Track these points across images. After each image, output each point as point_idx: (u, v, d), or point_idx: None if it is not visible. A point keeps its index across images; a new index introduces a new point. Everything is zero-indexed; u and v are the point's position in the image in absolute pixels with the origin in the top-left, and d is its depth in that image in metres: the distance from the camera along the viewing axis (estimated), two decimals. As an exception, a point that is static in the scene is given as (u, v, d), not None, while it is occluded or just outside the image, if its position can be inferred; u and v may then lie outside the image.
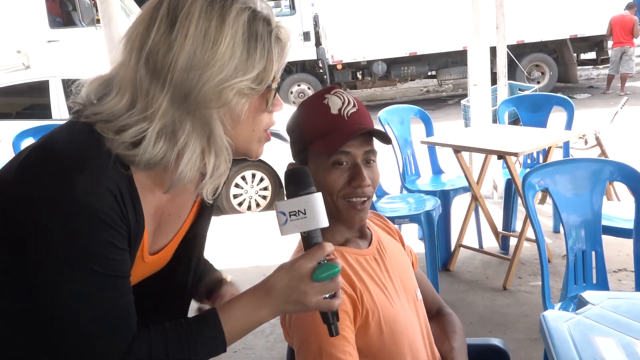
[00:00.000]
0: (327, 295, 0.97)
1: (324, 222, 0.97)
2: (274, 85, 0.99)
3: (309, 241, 0.98)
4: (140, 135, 0.91)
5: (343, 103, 1.25)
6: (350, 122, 1.23)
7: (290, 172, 1.00)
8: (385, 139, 1.28)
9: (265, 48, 0.95)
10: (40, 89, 5.64)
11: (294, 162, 1.31)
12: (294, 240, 1.17)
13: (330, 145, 1.21)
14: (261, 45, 0.94)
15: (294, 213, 0.96)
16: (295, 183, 0.98)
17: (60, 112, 5.50)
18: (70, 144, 0.93)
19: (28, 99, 5.95)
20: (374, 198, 3.58)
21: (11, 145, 4.59)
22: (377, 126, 4.26)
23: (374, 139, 1.28)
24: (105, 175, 0.90)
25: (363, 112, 1.27)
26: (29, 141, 4.69)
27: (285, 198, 0.98)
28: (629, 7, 10.24)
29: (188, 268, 1.17)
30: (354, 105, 1.26)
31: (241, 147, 1.00)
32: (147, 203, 0.98)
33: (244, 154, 1.03)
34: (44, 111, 5.56)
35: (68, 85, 5.54)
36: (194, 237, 1.15)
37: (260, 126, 1.01)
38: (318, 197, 0.97)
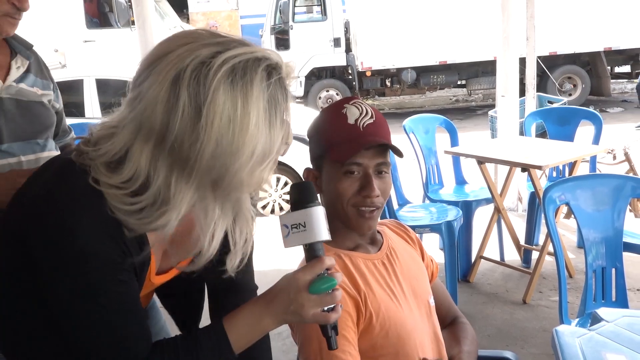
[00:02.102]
0: (325, 309, 0.99)
1: (325, 235, 0.99)
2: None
3: (310, 254, 1.01)
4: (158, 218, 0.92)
5: (361, 114, 1.27)
6: (365, 133, 1.26)
7: (294, 186, 1.04)
8: (398, 153, 1.30)
9: (281, 111, 0.93)
10: (74, 87, 5.78)
11: (310, 167, 1.35)
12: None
13: (342, 155, 1.25)
14: (280, 111, 0.93)
15: (295, 226, 0.99)
16: (298, 197, 1.02)
17: (92, 110, 5.64)
18: (71, 191, 0.94)
19: (63, 97, 6.08)
20: (396, 206, 3.60)
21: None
22: (402, 135, 4.22)
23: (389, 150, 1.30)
24: (105, 222, 0.92)
25: (380, 124, 1.29)
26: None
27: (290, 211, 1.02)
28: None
29: (197, 287, 1.22)
30: (372, 117, 1.28)
31: None
32: (151, 239, 1.00)
33: None
34: (78, 109, 5.70)
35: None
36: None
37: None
38: (318, 210, 1.00)
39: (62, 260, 0.92)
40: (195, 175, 0.90)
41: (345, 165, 1.25)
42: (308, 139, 1.35)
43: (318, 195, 1.11)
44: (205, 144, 0.87)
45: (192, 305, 1.30)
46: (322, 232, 0.99)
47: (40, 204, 0.95)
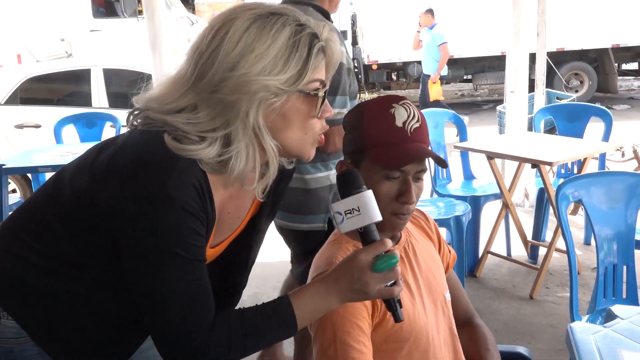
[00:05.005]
0: (388, 284, 1.05)
1: (378, 216, 1.06)
2: (321, 94, 1.07)
3: (367, 236, 1.07)
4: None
5: (409, 116, 1.25)
6: (412, 139, 1.24)
7: (342, 175, 1.10)
8: (442, 164, 1.32)
9: (302, 56, 1.03)
10: (81, 77, 5.76)
11: (344, 160, 1.32)
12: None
13: (389, 161, 1.23)
14: (299, 54, 1.03)
15: (349, 211, 1.05)
16: (348, 184, 1.08)
17: (100, 100, 5.63)
18: (158, 147, 1.02)
19: (69, 87, 6.08)
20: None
21: (52, 132, 4.72)
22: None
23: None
24: (190, 173, 1.01)
25: (424, 128, 1.28)
26: (69, 127, 4.81)
27: (340, 199, 1.07)
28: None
29: (242, 263, 1.29)
30: (418, 120, 1.26)
31: (295, 149, 1.10)
32: (215, 200, 1.08)
33: (297, 156, 1.13)
34: (85, 99, 5.68)
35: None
36: (249, 237, 1.25)
37: (313, 131, 1.10)
38: (369, 194, 1.06)
39: (148, 204, 0.98)
40: (212, 91, 1.02)
41: (388, 170, 1.24)
42: (345, 130, 1.32)
43: None
44: (216, 60, 1.01)
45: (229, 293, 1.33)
46: (375, 213, 1.06)
47: (126, 159, 1.04)
